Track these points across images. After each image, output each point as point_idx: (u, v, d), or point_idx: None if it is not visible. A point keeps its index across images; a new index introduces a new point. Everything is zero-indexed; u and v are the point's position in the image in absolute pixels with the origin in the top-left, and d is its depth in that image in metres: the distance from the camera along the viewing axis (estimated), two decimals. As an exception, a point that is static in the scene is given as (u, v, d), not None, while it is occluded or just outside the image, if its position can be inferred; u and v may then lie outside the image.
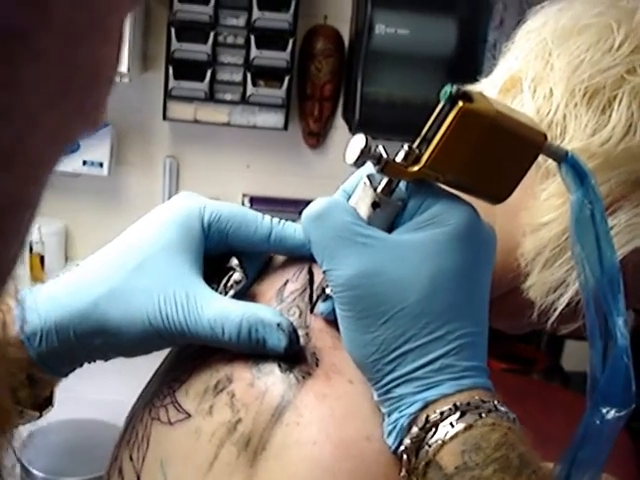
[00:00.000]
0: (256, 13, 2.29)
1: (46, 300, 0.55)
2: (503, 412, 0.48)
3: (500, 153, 0.51)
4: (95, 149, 2.44)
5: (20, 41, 0.23)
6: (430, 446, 0.47)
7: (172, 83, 2.34)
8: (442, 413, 0.47)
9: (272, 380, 0.53)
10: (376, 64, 2.25)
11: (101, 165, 2.45)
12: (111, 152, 2.46)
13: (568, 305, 0.61)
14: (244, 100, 2.37)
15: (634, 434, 1.89)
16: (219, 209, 0.58)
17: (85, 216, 2.56)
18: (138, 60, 2.32)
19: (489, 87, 0.66)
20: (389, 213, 0.52)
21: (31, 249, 2.35)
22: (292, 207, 2.45)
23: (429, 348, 0.48)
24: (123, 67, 2.13)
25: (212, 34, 2.31)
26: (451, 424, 0.47)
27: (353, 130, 2.38)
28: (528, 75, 0.62)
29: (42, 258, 2.37)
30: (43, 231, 2.36)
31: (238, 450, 0.52)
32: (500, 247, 0.62)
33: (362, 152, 0.50)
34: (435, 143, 0.50)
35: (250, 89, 2.35)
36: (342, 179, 0.68)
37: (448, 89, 0.49)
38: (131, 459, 0.58)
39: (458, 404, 0.47)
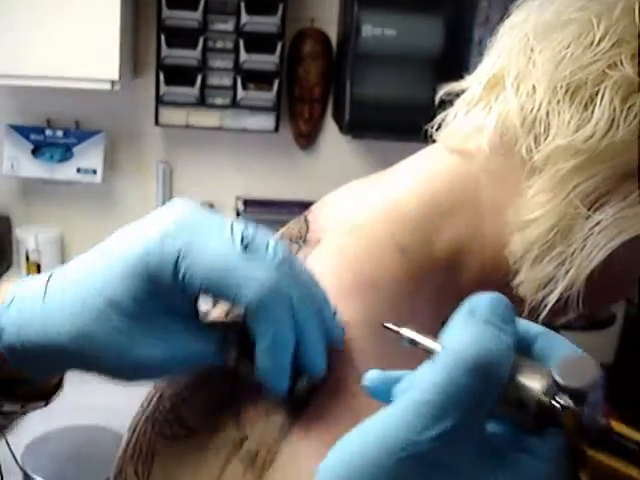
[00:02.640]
0: (244, 17, 2.31)
1: (20, 321, 0.51)
2: None
3: None
4: (88, 156, 2.46)
5: None
6: None
7: (163, 89, 2.35)
8: None
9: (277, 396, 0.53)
10: (364, 65, 2.26)
11: (95, 172, 2.46)
12: (104, 159, 2.47)
13: (558, 300, 0.61)
14: (235, 104, 2.39)
15: (631, 421, 1.91)
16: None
17: (80, 223, 2.57)
18: (129, 67, 2.33)
19: (474, 84, 0.66)
20: None
21: (27, 257, 2.36)
22: (285, 208, 2.46)
23: None
24: (115, 74, 2.15)
25: (201, 39, 2.33)
26: None
27: (343, 131, 2.39)
28: (511, 72, 0.62)
29: (38, 266, 2.38)
30: (39, 239, 2.38)
31: (245, 467, 0.52)
32: (489, 245, 0.63)
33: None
34: None
35: (240, 93, 2.37)
36: (333, 179, 0.69)
37: None
38: (136, 473, 0.58)
39: None
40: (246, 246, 0.49)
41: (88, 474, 2.30)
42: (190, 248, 0.48)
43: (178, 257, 0.48)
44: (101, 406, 2.22)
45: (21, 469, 2.30)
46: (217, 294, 0.49)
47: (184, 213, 0.50)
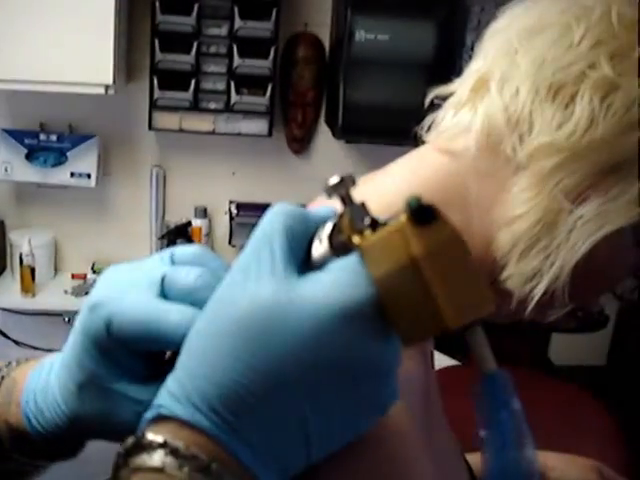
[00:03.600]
0: (238, 22, 2.32)
1: (36, 411, 0.55)
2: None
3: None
4: (82, 161, 2.47)
5: None
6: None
7: (157, 93, 2.37)
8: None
9: None
10: (357, 69, 2.28)
11: (88, 176, 2.47)
12: (98, 163, 2.49)
13: (545, 293, 0.63)
14: (228, 108, 2.40)
15: (623, 422, 1.93)
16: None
17: (74, 227, 2.58)
18: (123, 72, 2.34)
19: (461, 87, 0.68)
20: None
21: (21, 261, 2.37)
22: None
23: None
24: (109, 79, 2.16)
25: (195, 44, 2.34)
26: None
27: (336, 135, 2.41)
28: (495, 74, 0.64)
29: (32, 270, 2.39)
30: (33, 243, 2.38)
31: None
32: (477, 242, 0.65)
33: (332, 187, 0.46)
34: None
35: (234, 97, 2.39)
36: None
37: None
38: None
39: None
40: (162, 289, 0.50)
41: (88, 476, 2.30)
42: (114, 312, 0.50)
43: (107, 323, 0.49)
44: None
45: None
46: (150, 345, 0.50)
47: (106, 281, 0.52)
